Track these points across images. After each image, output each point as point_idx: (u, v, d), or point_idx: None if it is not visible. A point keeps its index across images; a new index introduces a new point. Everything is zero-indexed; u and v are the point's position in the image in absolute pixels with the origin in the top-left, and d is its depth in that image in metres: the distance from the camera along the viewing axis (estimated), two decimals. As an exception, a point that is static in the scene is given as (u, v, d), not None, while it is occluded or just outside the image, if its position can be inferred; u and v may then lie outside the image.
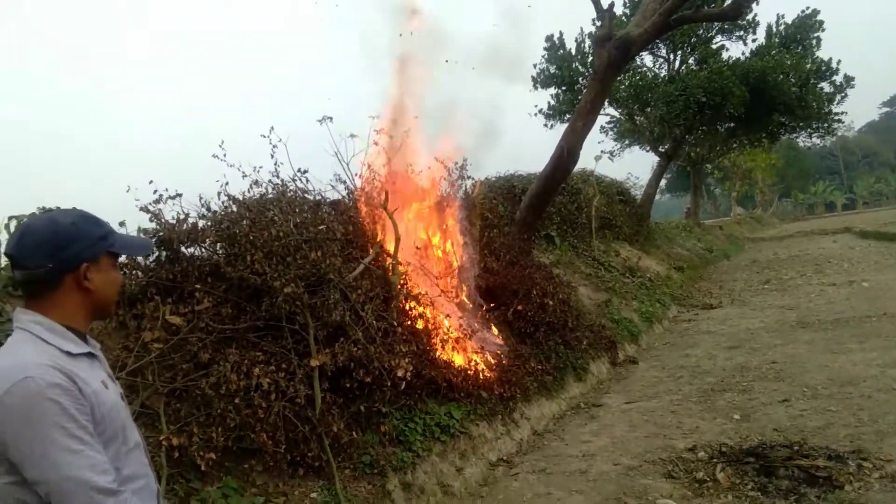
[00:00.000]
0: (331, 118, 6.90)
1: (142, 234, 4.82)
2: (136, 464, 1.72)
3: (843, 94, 27.03)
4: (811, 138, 31.66)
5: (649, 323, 11.15)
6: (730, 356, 8.54)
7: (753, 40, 26.06)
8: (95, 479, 1.50)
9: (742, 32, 25.59)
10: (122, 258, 2.87)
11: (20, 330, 1.62)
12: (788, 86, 22.97)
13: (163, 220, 4.97)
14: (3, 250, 4.32)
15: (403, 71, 7.34)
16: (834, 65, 26.12)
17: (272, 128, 6.02)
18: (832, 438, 5.12)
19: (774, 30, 26.80)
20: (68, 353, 1.61)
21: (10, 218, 4.17)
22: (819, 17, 26.18)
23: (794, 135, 30.39)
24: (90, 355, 1.70)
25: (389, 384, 4.99)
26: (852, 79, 26.69)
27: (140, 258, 4.75)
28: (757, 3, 18.22)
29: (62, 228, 1.64)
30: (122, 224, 4.39)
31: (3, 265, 4.33)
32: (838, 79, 26.60)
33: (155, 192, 5.03)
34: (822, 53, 26.46)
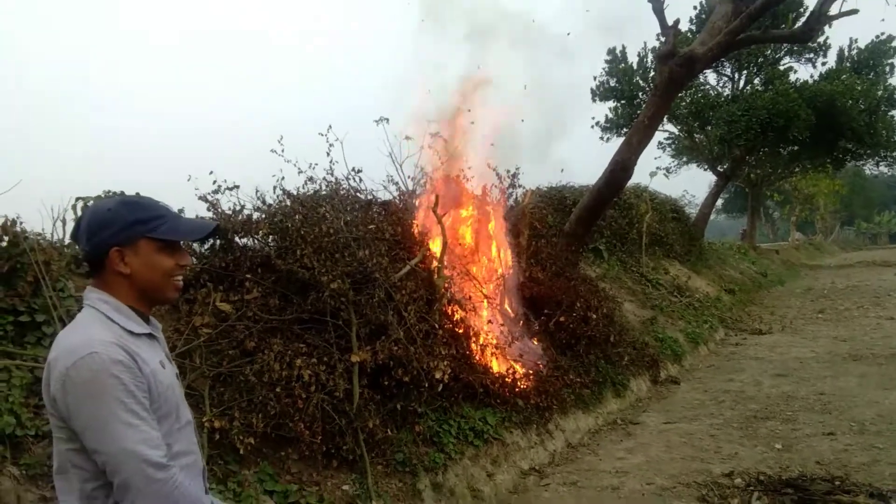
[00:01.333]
0: (387, 119, 7.02)
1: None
2: (186, 441, 1.80)
3: (914, 123, 25.97)
4: (878, 166, 30.53)
5: (695, 344, 10.92)
6: (776, 384, 8.31)
7: (823, 63, 25.25)
8: (148, 452, 1.58)
9: (812, 55, 24.84)
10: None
11: (89, 307, 1.72)
12: (857, 111, 22.19)
13: (219, 210, 5.15)
14: (70, 226, 4.54)
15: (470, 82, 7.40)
16: (906, 93, 25.13)
17: (330, 126, 6.16)
18: (877, 476, 4.95)
19: (846, 54, 25.93)
20: (131, 333, 1.70)
21: (76, 199, 4.37)
22: (894, 44, 25.23)
23: (861, 162, 29.36)
24: (150, 336, 1.79)
25: (427, 385, 5.03)
26: (925, 107, 25.63)
27: (196, 245, 4.91)
28: (830, 27, 17.67)
29: (98, 214, 1.73)
30: (181, 211, 4.57)
31: (66, 244, 4.54)
32: (910, 107, 25.58)
33: (214, 182, 5.21)
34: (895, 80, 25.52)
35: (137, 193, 1.88)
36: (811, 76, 25.32)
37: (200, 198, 5.13)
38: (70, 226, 4.63)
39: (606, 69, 26.08)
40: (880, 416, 6.53)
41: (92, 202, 4.35)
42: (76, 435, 1.59)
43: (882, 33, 25.50)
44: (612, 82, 26.01)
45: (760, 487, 4.90)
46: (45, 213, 4.49)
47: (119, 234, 1.71)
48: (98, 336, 1.62)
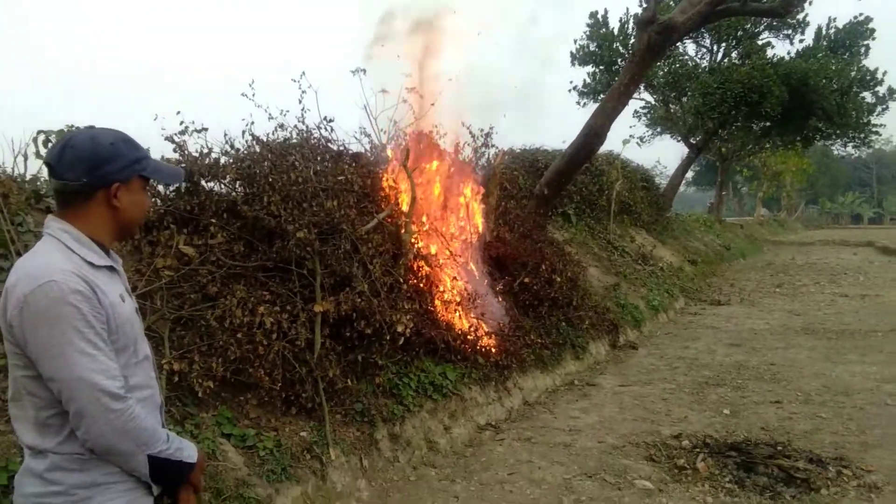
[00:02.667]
0: (364, 70, 6.91)
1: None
2: (144, 375, 1.81)
3: (884, 106, 26.42)
4: (846, 147, 31.11)
5: (654, 311, 11.16)
6: (729, 353, 8.57)
7: (801, 41, 25.40)
8: (105, 382, 1.59)
9: (790, 31, 24.93)
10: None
11: (49, 236, 1.70)
12: (830, 91, 22.44)
13: (186, 152, 5.05)
14: (32, 161, 4.43)
15: (440, 32, 7.28)
16: (879, 75, 25.49)
17: (303, 73, 6.05)
18: (817, 443, 5.17)
19: (824, 32, 26.10)
20: (91, 264, 1.69)
21: (38, 132, 4.27)
22: (871, 25, 25.46)
23: (830, 142, 29.80)
24: (111, 269, 1.78)
25: (389, 338, 5.08)
26: (896, 91, 26.10)
27: (160, 187, 4.83)
28: (810, 3, 17.75)
29: (101, 147, 1.71)
30: (147, 149, 4.48)
31: (27, 180, 4.44)
32: (882, 90, 25.98)
33: (181, 123, 5.10)
34: (869, 62, 25.84)
35: (115, 129, 1.85)
36: (788, 53, 25.52)
37: (167, 138, 5.02)
38: (33, 161, 4.52)
39: (587, 33, 25.92)
40: (825, 387, 6.79)
41: (64, 134, 4.25)
42: (32, 362, 1.59)
43: (860, 14, 25.73)
44: (593, 47, 25.88)
45: (706, 450, 5.09)
46: (6, 146, 4.38)
47: (124, 171, 1.73)
48: (58, 265, 1.61)
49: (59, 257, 1.64)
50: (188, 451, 1.82)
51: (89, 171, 1.68)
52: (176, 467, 1.76)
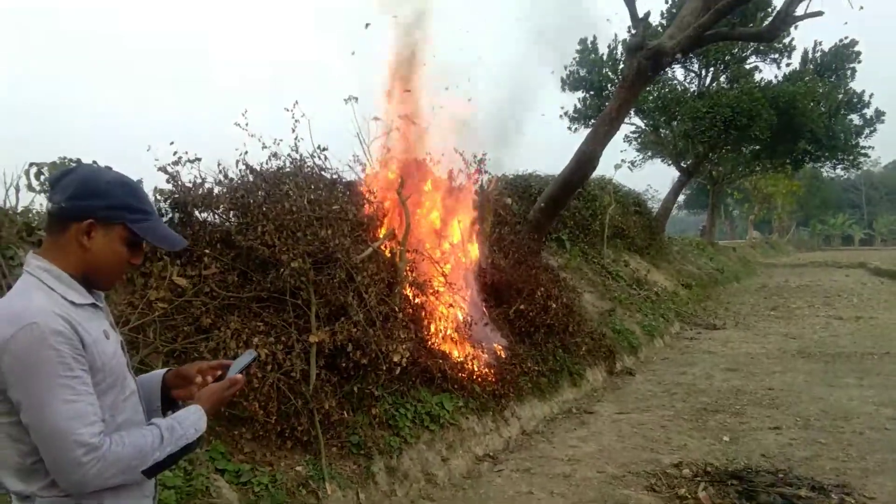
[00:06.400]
0: (356, 98, 6.95)
1: (158, 196, 4.89)
2: (132, 411, 1.77)
3: (872, 129, 26.83)
4: (835, 169, 31.47)
5: (650, 336, 11.15)
6: (726, 378, 8.55)
7: (788, 65, 25.79)
8: (81, 430, 1.54)
9: (777, 55, 25.32)
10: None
11: (29, 275, 1.66)
12: (818, 114, 22.77)
13: (179, 182, 5.05)
14: (24, 193, 4.40)
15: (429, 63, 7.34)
16: (866, 97, 25.89)
17: (296, 102, 6.08)
18: (818, 470, 5.15)
19: (810, 56, 26.54)
20: (72, 303, 1.65)
21: (30, 164, 4.25)
22: (857, 48, 25.91)
23: (819, 164, 30.14)
24: (94, 305, 1.74)
25: (385, 368, 5.05)
26: (883, 113, 26.52)
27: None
28: (795, 28, 18.03)
29: (96, 182, 1.68)
30: (139, 182, 4.47)
31: (18, 212, 4.41)
32: (869, 112, 26.41)
33: (175, 153, 5.10)
34: (856, 85, 26.26)
35: (123, 175, 1.81)
36: (775, 76, 25.90)
37: (160, 168, 5.02)
38: (24, 193, 4.49)
39: (577, 59, 26.24)
40: (824, 412, 6.78)
41: (46, 167, 4.24)
42: (14, 408, 1.56)
43: (846, 37, 26.19)
44: (583, 72, 26.19)
45: (707, 478, 5.05)
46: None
47: (105, 210, 1.67)
48: (38, 305, 1.58)
49: (40, 297, 1.61)
50: (190, 427, 1.75)
51: (71, 198, 1.65)
52: (182, 453, 1.73)
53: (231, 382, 1.97)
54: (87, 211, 1.66)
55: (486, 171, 8.75)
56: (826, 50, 26.32)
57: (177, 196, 4.95)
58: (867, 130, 26.74)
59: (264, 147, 5.86)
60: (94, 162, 1.76)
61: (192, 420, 1.78)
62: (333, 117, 6.99)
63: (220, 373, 2.02)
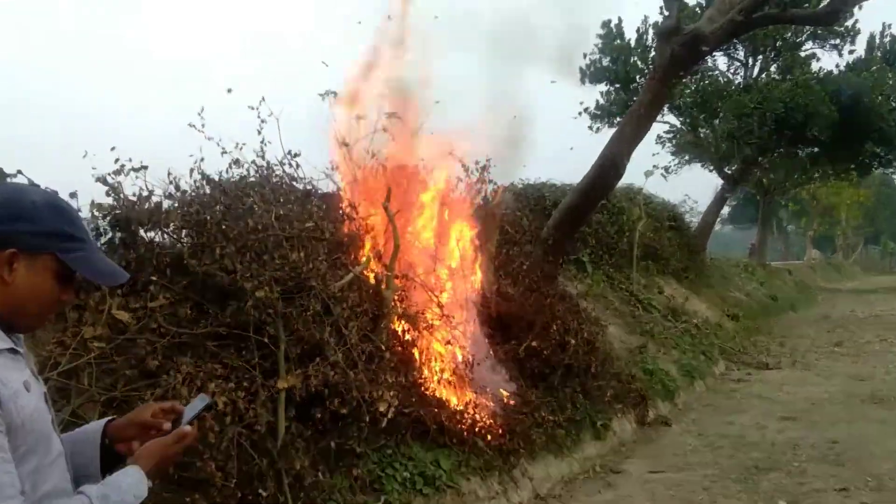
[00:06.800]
0: (335, 93, 6.96)
1: (96, 211, 4.88)
2: (59, 476, 1.74)
3: (953, 127, 26.97)
4: (910, 175, 31.63)
5: (690, 378, 11.13)
6: (782, 429, 8.52)
7: (851, 52, 26.05)
8: None
9: (838, 41, 25.56)
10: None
11: None
12: (888, 110, 22.89)
13: (121, 196, 5.04)
14: None
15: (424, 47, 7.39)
16: (945, 91, 26.07)
17: (262, 98, 6.10)
18: (894, 542, 5.12)
19: (878, 42, 26.76)
20: None
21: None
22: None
23: (890, 169, 30.33)
24: (12, 350, 1.69)
25: (368, 419, 5.03)
26: (966, 110, 26.67)
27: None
28: (860, 9, 18.26)
29: (20, 203, 1.65)
30: (72, 195, 4.48)
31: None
32: (950, 108, 26.56)
33: (116, 160, 5.09)
34: (934, 75, 26.42)
35: (56, 193, 1.77)
36: (836, 66, 26.10)
37: (99, 179, 5.01)
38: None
39: (599, 46, 26.38)
40: (901, 470, 6.75)
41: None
42: None
43: (920, 19, 26.41)
44: (606, 62, 26.35)
45: (760, 552, 5.01)
46: None
47: (30, 238, 1.64)
48: None
49: None
50: (128, 493, 1.73)
51: None
52: None
53: (178, 436, 1.93)
54: (10, 238, 1.62)
55: (490, 181, 8.77)
56: (896, 34, 26.56)
57: (118, 212, 4.95)
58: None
59: (224, 152, 5.88)
60: (20, 174, 1.72)
61: (128, 484, 1.75)
62: (307, 115, 7.01)
63: (174, 417, 2.00)
